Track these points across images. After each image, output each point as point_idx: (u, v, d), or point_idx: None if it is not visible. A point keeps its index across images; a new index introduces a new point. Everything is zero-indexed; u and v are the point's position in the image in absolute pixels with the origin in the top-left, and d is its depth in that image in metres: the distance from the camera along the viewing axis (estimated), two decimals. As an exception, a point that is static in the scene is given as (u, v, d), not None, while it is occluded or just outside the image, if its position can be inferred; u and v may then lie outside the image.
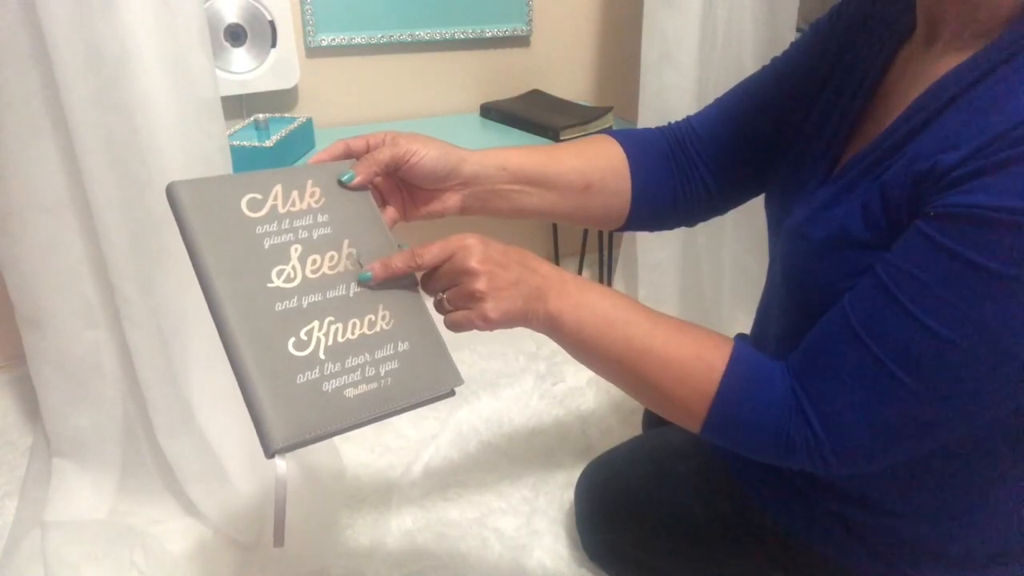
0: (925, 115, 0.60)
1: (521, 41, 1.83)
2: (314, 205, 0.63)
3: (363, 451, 1.38)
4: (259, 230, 0.60)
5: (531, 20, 1.80)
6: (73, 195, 1.00)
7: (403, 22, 1.68)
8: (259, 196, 0.61)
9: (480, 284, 0.62)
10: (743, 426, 0.64)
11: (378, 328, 0.61)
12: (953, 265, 0.54)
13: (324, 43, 1.62)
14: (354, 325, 0.60)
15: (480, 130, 1.67)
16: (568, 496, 1.23)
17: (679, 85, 1.51)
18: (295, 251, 0.60)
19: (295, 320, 0.58)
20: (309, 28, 1.60)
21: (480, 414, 1.49)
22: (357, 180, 0.67)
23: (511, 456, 1.37)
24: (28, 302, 1.10)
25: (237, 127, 1.42)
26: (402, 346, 0.61)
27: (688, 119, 0.90)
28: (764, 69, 0.86)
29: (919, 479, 0.71)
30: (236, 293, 0.57)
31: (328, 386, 0.57)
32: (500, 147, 0.80)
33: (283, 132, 1.40)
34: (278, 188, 0.62)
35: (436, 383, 0.61)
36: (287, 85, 1.57)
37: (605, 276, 1.83)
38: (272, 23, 1.50)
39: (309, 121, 1.52)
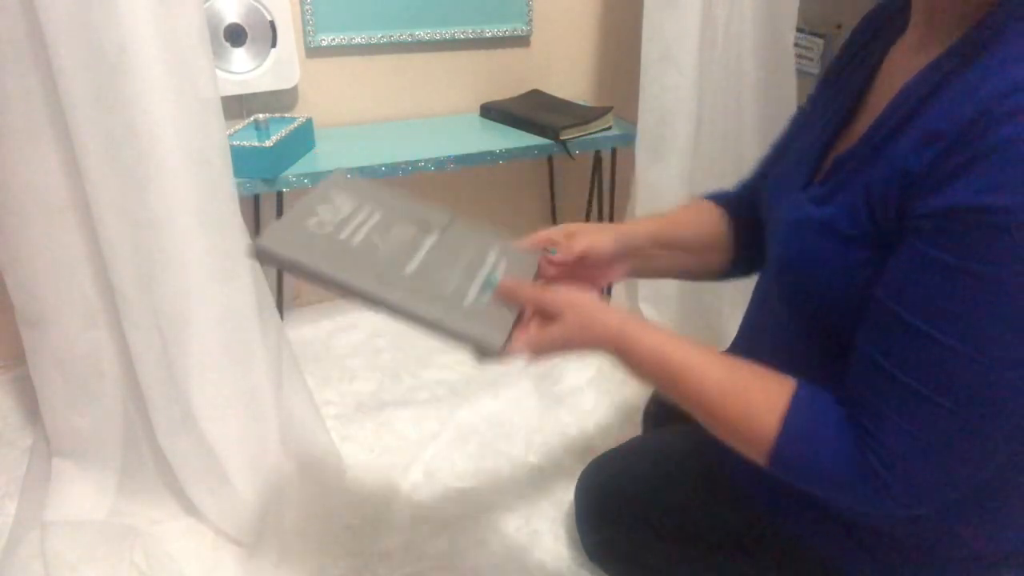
0: (906, 110, 0.60)
1: (521, 41, 1.83)
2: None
3: (363, 451, 1.38)
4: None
5: (531, 20, 1.80)
6: (73, 195, 1.00)
7: (403, 22, 1.68)
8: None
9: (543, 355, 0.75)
10: (809, 474, 0.63)
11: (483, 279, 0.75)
12: (950, 275, 0.53)
13: (324, 43, 1.62)
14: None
15: (480, 130, 1.67)
16: (568, 496, 1.23)
17: (679, 85, 1.51)
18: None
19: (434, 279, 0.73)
20: (309, 28, 1.60)
21: (480, 414, 1.49)
22: (557, 258, 0.82)
23: (511, 456, 1.37)
24: (28, 302, 1.10)
25: (237, 127, 1.42)
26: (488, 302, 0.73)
27: (748, 180, 0.97)
28: (795, 118, 0.90)
29: None
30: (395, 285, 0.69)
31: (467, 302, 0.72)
32: (644, 219, 0.95)
33: (283, 132, 1.40)
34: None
35: (489, 335, 0.70)
36: (287, 85, 1.57)
37: (605, 276, 1.83)
38: (272, 23, 1.50)
39: (309, 121, 1.52)
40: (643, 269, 0.91)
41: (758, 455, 0.65)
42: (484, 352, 0.70)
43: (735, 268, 0.95)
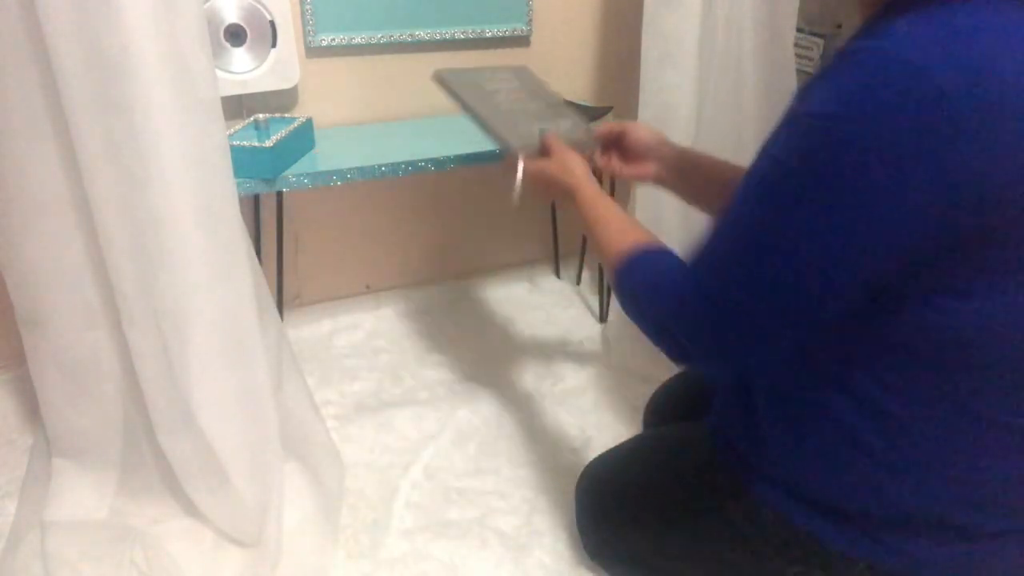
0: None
1: (521, 41, 1.83)
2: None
3: (363, 451, 1.38)
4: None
5: (531, 20, 1.80)
6: (73, 195, 1.00)
7: (403, 22, 1.68)
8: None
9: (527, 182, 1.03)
10: (643, 289, 0.79)
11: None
12: (764, 162, 0.66)
13: (324, 43, 1.62)
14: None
15: (478, 130, 1.67)
16: (568, 496, 1.23)
17: (679, 85, 1.51)
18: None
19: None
20: (309, 28, 1.60)
21: (480, 414, 1.49)
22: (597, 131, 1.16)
23: (511, 456, 1.37)
24: (28, 302, 1.10)
25: (237, 127, 1.42)
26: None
27: None
28: None
29: (892, 425, 0.72)
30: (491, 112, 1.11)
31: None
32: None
33: (283, 132, 1.40)
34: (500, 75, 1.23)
35: (518, 137, 1.07)
36: (287, 85, 1.57)
37: (605, 275, 1.84)
38: (272, 23, 1.50)
39: (309, 121, 1.52)
40: (682, 188, 1.09)
41: (610, 271, 0.85)
42: (504, 149, 1.05)
43: None
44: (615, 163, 1.13)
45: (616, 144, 1.12)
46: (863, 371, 0.71)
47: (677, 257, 0.78)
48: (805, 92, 0.64)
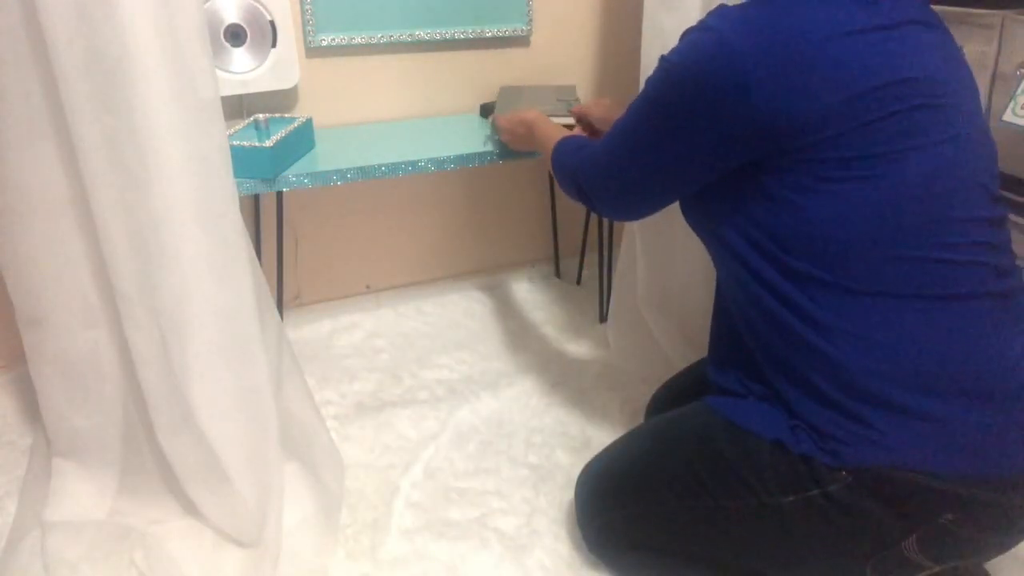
0: None
1: (521, 41, 1.83)
2: None
3: (363, 451, 1.38)
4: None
5: (531, 20, 1.80)
6: (73, 195, 1.00)
7: (403, 22, 1.68)
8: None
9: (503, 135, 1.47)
10: (560, 170, 1.13)
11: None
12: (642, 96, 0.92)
13: (324, 43, 1.62)
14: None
15: (480, 130, 1.67)
16: (568, 496, 1.23)
17: (679, 85, 1.51)
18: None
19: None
20: (309, 28, 1.60)
21: (480, 414, 1.49)
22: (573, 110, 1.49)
23: (511, 456, 1.37)
24: (28, 302, 1.10)
25: (237, 127, 1.42)
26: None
27: None
28: None
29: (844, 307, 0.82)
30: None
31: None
32: None
33: (283, 132, 1.40)
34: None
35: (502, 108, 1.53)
36: (287, 85, 1.57)
37: (605, 275, 1.83)
38: (272, 23, 1.50)
39: (309, 121, 1.52)
40: None
41: (550, 154, 1.17)
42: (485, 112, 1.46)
43: None
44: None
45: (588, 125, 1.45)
46: (774, 262, 0.85)
47: (588, 141, 1.11)
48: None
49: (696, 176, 0.90)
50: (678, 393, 1.24)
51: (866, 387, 0.80)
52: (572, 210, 2.08)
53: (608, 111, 1.41)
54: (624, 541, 1.05)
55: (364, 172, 1.43)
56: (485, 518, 1.23)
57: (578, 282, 2.06)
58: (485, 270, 2.07)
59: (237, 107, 1.57)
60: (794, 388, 0.85)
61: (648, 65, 1.52)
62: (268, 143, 1.34)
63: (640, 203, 1.01)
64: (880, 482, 0.79)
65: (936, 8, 0.90)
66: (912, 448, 0.78)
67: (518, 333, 1.80)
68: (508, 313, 1.89)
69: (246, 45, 1.50)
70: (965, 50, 0.96)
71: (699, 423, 0.96)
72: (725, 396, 0.96)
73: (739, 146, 0.83)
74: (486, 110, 1.73)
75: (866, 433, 0.80)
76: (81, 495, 1.19)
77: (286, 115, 1.54)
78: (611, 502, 1.05)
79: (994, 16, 1.26)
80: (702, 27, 0.83)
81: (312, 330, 1.80)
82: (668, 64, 0.85)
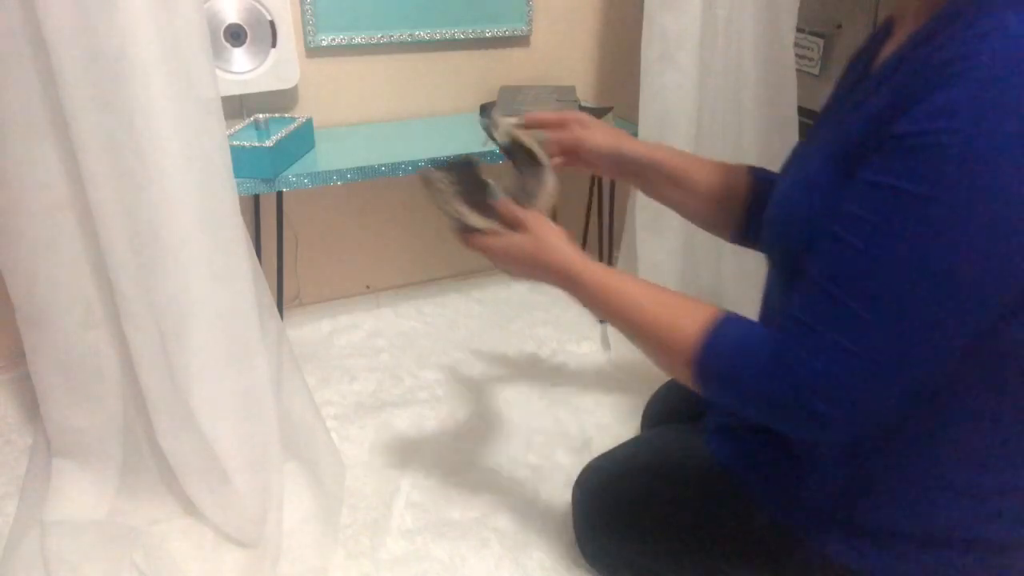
0: (878, 80, 0.65)
1: (521, 41, 1.83)
2: None
3: (363, 451, 1.38)
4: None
5: (531, 20, 1.80)
6: (73, 195, 1.00)
7: (403, 22, 1.68)
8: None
9: (497, 260, 0.88)
10: (731, 390, 0.69)
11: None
12: (878, 194, 0.58)
13: (324, 43, 1.62)
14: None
15: (480, 130, 1.67)
16: (567, 496, 1.23)
17: (679, 85, 1.51)
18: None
19: None
20: (309, 28, 1.60)
21: (480, 414, 1.49)
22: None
23: (511, 456, 1.37)
24: (28, 302, 1.10)
25: (237, 127, 1.42)
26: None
27: None
28: None
29: (916, 453, 0.71)
30: None
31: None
32: (663, 146, 1.01)
33: (283, 132, 1.40)
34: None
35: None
36: (287, 85, 1.57)
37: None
38: (272, 23, 1.50)
39: (309, 121, 1.52)
40: (644, 187, 1.02)
41: (683, 364, 0.71)
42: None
43: (744, 235, 0.98)
44: (571, 163, 1.03)
45: (571, 152, 1.02)
46: (950, 405, 0.67)
47: (757, 340, 0.68)
48: (891, 112, 0.59)
49: (998, 301, 0.59)
50: (677, 394, 1.24)
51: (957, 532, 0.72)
52: (572, 210, 2.08)
53: (616, 139, 1.00)
54: (620, 561, 1.05)
55: (364, 172, 1.43)
56: (485, 518, 1.23)
57: (578, 282, 2.06)
58: (485, 270, 2.07)
59: (237, 107, 1.57)
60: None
61: (648, 65, 1.52)
62: (268, 143, 1.34)
63: (925, 381, 0.64)
64: None
65: None
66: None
67: (518, 333, 1.80)
68: (508, 313, 1.89)
69: (246, 45, 1.50)
70: None
71: (702, 472, 0.93)
72: (724, 434, 0.93)
73: None
74: (486, 110, 1.71)
75: (913, 554, 0.75)
76: (81, 495, 1.19)
77: (286, 115, 1.54)
78: (610, 527, 1.03)
79: None
80: (988, 60, 0.53)
81: (312, 330, 1.80)
82: (950, 135, 0.54)
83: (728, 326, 0.70)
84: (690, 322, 0.71)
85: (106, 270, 1.01)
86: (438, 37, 1.72)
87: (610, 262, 1.88)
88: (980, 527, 0.72)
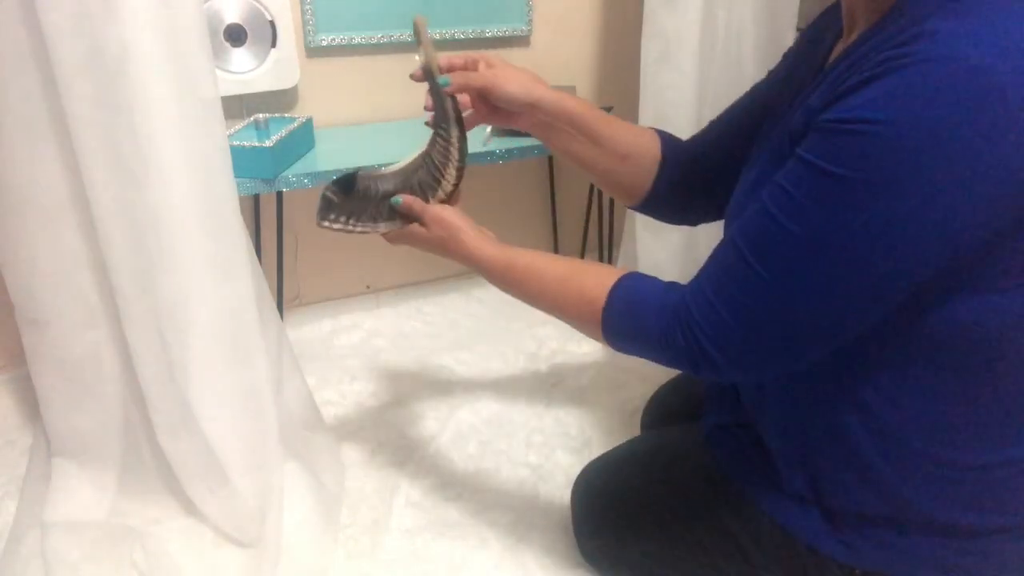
0: (823, 77, 0.69)
1: (521, 41, 1.83)
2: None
3: (363, 451, 1.38)
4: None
5: (531, 20, 1.80)
6: (73, 195, 1.00)
7: (403, 22, 1.68)
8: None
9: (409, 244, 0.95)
10: (635, 337, 0.77)
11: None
12: (807, 171, 0.61)
13: (324, 43, 1.62)
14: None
15: (479, 129, 1.67)
16: (567, 496, 1.23)
17: (679, 85, 1.51)
18: None
19: None
20: (309, 28, 1.60)
21: (480, 414, 1.49)
22: (450, 88, 0.91)
23: (511, 456, 1.37)
24: (28, 302, 1.10)
25: (237, 127, 1.42)
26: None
27: (695, 136, 1.05)
28: (752, 88, 0.99)
29: (906, 446, 0.72)
30: None
31: None
32: (572, 96, 0.99)
33: (283, 132, 1.40)
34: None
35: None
36: (287, 85, 1.57)
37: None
38: (272, 23, 1.50)
39: (309, 121, 1.52)
40: (554, 143, 1.01)
41: (593, 328, 0.79)
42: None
43: (646, 203, 1.03)
44: (482, 113, 0.99)
45: (483, 97, 0.97)
46: (870, 380, 0.71)
47: (655, 281, 0.77)
48: (826, 102, 0.62)
49: (918, 275, 0.61)
50: (676, 394, 1.24)
51: (922, 514, 0.74)
52: (572, 210, 2.08)
53: (530, 84, 0.96)
54: (619, 560, 1.05)
55: (364, 172, 1.43)
56: (485, 518, 1.23)
57: (578, 282, 2.06)
58: (485, 270, 2.08)
59: (237, 107, 1.57)
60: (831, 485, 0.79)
61: (648, 65, 1.52)
62: (268, 143, 1.34)
63: (809, 347, 0.68)
64: None
65: None
66: (946, 561, 0.75)
67: (518, 333, 1.80)
68: (508, 313, 1.89)
69: (246, 45, 1.50)
70: None
71: (700, 472, 0.93)
72: (723, 435, 0.94)
73: (977, 221, 0.58)
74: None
75: (896, 541, 0.76)
76: (81, 495, 1.19)
77: (286, 115, 1.54)
78: (608, 526, 1.03)
79: None
80: (924, 55, 0.55)
81: (312, 330, 1.80)
82: (876, 124, 0.57)
83: (626, 280, 0.78)
84: (594, 285, 0.79)
85: (106, 270, 1.01)
86: (438, 37, 1.72)
87: (610, 262, 1.88)
88: (957, 512, 0.73)
